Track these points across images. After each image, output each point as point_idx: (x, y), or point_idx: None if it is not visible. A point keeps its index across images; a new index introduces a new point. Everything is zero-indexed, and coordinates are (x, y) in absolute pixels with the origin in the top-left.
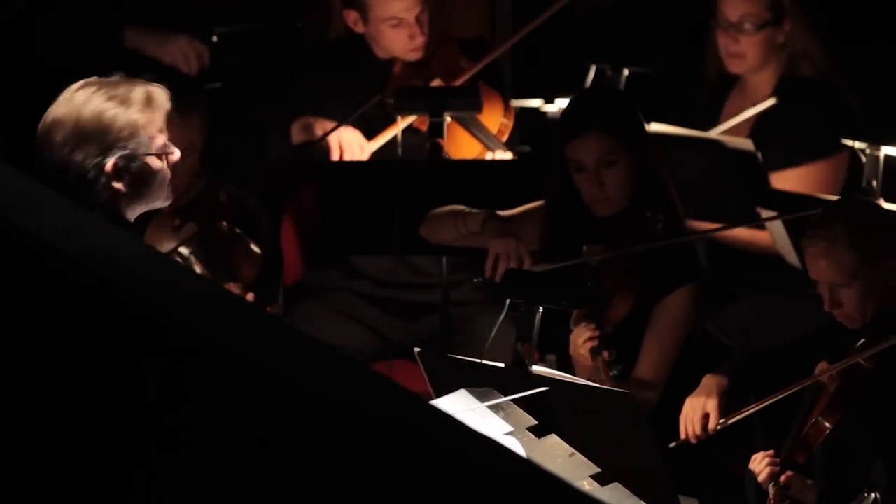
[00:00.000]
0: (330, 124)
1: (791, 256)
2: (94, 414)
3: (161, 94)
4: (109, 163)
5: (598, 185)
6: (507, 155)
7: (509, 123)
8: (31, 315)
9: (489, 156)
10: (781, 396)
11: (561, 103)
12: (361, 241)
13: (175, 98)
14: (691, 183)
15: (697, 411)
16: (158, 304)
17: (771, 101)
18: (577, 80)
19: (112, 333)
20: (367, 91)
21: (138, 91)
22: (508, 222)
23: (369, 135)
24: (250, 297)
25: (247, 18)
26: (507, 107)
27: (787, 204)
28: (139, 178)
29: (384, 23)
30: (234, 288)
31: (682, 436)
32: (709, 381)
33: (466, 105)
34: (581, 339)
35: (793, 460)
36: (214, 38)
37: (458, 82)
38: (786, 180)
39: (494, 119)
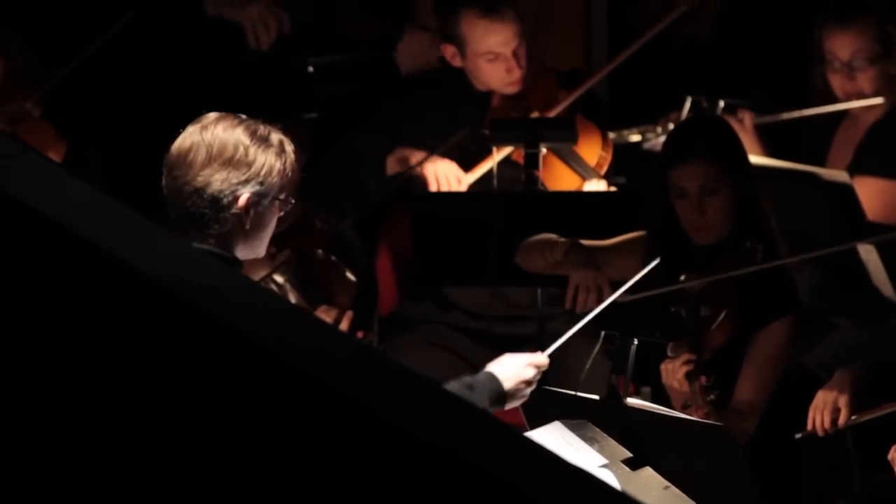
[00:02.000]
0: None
1: (887, 289)
2: (184, 437)
3: (290, 145)
4: (245, 195)
5: (699, 212)
6: (603, 186)
7: (607, 156)
8: (126, 342)
9: (586, 187)
10: None
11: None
12: (456, 272)
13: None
14: (787, 214)
15: (829, 404)
16: (251, 334)
17: (879, 100)
18: (674, 112)
19: (205, 361)
20: (466, 122)
21: (275, 135)
22: (591, 253)
23: (467, 166)
24: (345, 323)
25: (342, 49)
26: (605, 140)
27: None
28: (260, 219)
29: (481, 57)
30: (327, 313)
31: (810, 427)
32: (843, 375)
33: (562, 136)
34: (678, 365)
35: None
36: (310, 69)
37: (555, 113)
38: (866, 186)
39: (593, 152)
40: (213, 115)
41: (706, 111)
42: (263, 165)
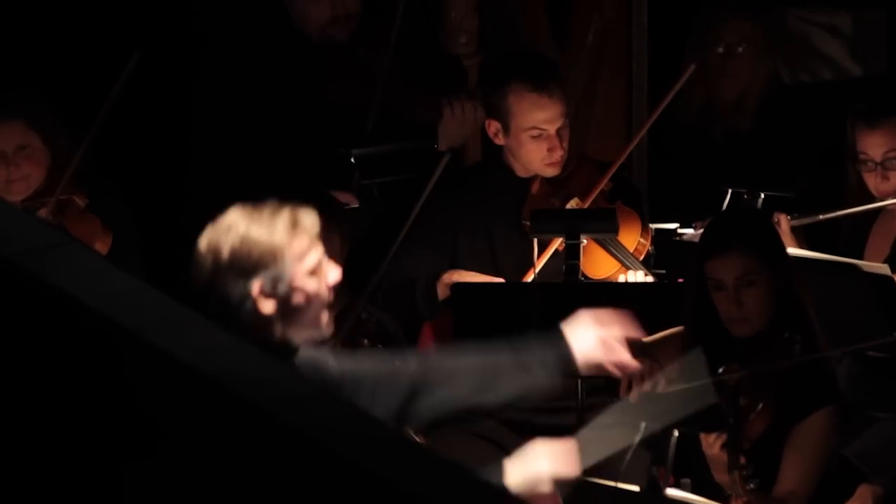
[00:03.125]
0: (478, 276)
1: None
2: None
3: (307, 217)
4: (255, 287)
5: (736, 304)
6: (643, 273)
7: (646, 244)
8: (171, 434)
9: (624, 277)
10: None
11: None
12: None
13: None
14: (826, 306)
15: None
16: (296, 425)
17: None
18: (714, 204)
19: (250, 453)
20: (504, 212)
21: (283, 215)
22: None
23: (512, 260)
24: None
25: (385, 140)
26: (644, 227)
27: None
28: (288, 301)
29: (525, 133)
30: None
31: None
32: (864, 490)
33: (603, 227)
34: (718, 448)
35: None
36: (352, 160)
37: (594, 198)
38: None
39: (632, 238)
40: (226, 212)
41: (746, 204)
42: (267, 251)
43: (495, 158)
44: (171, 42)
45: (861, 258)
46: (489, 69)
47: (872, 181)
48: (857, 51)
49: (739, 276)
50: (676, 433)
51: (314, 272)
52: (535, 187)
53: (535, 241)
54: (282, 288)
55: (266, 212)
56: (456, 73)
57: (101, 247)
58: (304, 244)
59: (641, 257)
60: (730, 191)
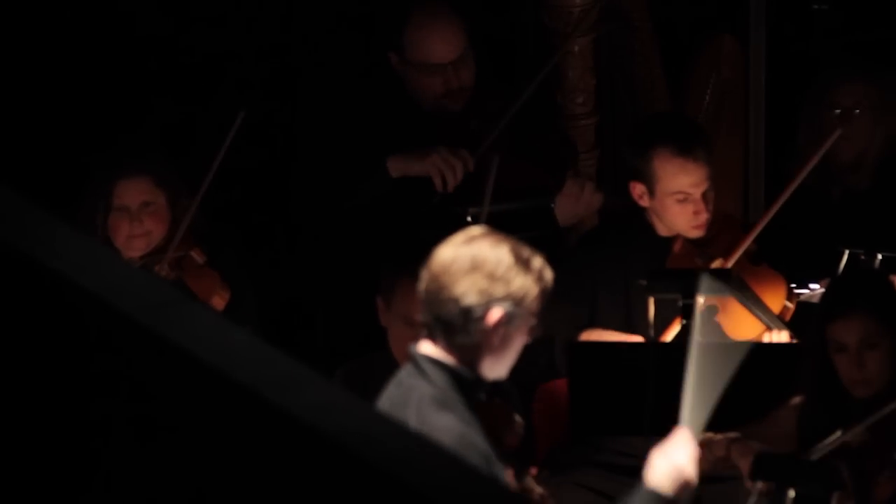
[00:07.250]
0: (617, 335)
1: None
2: None
3: (549, 274)
4: (497, 312)
5: (858, 367)
6: (786, 335)
7: (791, 307)
8: (290, 493)
9: (768, 337)
10: None
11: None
12: (612, 421)
13: None
14: None
15: None
16: (415, 485)
17: None
18: (830, 265)
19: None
20: (644, 270)
21: (536, 261)
22: (750, 439)
23: (631, 322)
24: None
25: (502, 198)
26: (790, 291)
27: None
28: (507, 339)
29: (670, 197)
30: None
31: None
32: None
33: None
34: None
35: None
36: (469, 219)
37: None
38: None
39: (777, 301)
40: (479, 230)
41: (864, 265)
42: (521, 288)
43: (637, 216)
44: (278, 99)
45: None
46: (633, 132)
47: None
48: None
49: (862, 338)
50: (793, 494)
51: (532, 327)
52: (677, 246)
53: (652, 301)
54: (511, 327)
55: (525, 251)
56: (567, 155)
57: (220, 301)
58: (543, 299)
59: (787, 318)
60: (846, 251)
